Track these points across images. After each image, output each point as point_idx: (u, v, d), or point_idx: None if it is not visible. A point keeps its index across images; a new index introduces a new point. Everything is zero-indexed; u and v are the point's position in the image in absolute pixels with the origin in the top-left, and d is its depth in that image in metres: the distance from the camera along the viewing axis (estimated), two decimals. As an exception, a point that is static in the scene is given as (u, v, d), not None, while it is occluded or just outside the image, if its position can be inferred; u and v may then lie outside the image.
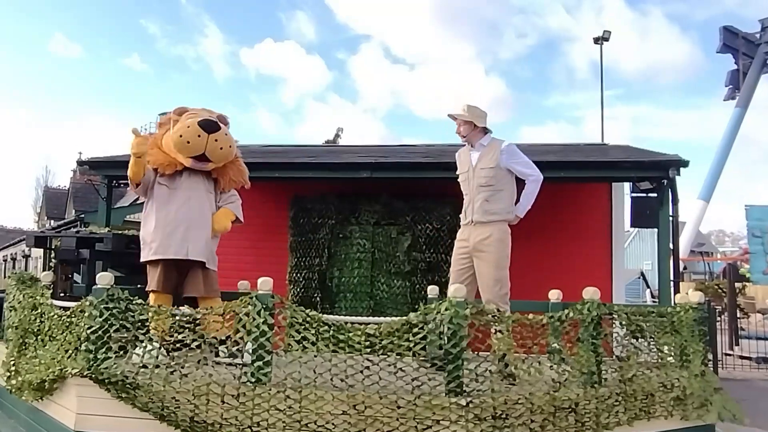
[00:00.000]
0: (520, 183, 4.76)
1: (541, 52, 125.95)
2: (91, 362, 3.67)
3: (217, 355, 4.13)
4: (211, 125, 4.53)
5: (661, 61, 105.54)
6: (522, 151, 4.77)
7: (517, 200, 4.71)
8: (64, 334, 4.11)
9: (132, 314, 3.85)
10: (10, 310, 4.97)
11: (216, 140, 4.54)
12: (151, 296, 4.56)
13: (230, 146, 4.70)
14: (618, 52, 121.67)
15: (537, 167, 4.72)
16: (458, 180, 4.87)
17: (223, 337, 4.22)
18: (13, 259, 30.91)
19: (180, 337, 3.87)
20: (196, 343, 3.89)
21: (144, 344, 3.86)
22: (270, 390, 3.54)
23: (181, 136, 4.51)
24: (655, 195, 6.69)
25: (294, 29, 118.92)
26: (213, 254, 4.79)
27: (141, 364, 3.74)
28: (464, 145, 4.88)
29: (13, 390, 4.39)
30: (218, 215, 4.82)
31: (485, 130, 4.73)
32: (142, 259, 4.68)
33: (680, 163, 6.36)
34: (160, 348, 3.93)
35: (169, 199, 4.65)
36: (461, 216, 4.80)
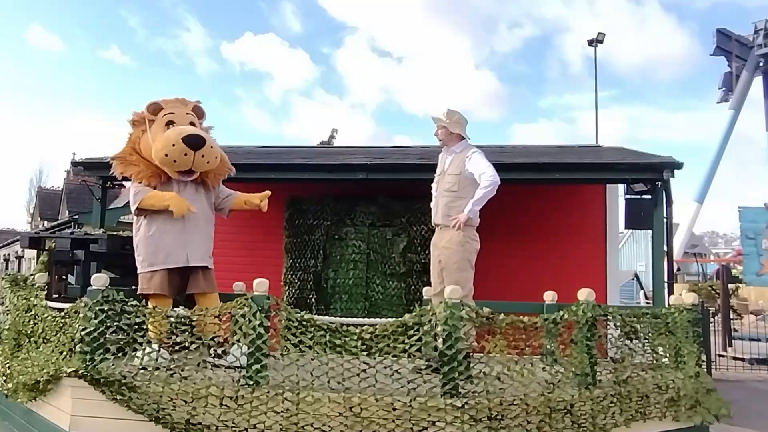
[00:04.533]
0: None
1: (536, 44, 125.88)
2: (87, 363, 3.66)
3: (217, 357, 4.12)
4: (197, 142, 4.35)
5: (657, 55, 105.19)
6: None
7: None
8: (58, 335, 4.10)
9: (127, 316, 3.84)
10: (6, 314, 4.94)
11: (203, 156, 4.39)
12: (151, 300, 4.44)
13: (216, 158, 4.53)
14: (613, 48, 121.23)
15: (494, 171, 4.49)
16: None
17: (221, 340, 4.21)
18: (6, 261, 30.75)
19: (179, 339, 3.86)
20: (194, 345, 3.88)
21: (143, 346, 3.85)
22: (267, 392, 3.54)
23: (166, 155, 4.34)
24: (649, 197, 6.71)
25: (276, 20, 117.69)
26: (210, 254, 4.76)
27: (140, 366, 3.73)
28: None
29: (9, 393, 4.37)
30: (248, 197, 4.83)
31: (461, 137, 4.73)
32: (140, 270, 4.55)
33: (674, 165, 6.38)
34: (159, 350, 3.92)
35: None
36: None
